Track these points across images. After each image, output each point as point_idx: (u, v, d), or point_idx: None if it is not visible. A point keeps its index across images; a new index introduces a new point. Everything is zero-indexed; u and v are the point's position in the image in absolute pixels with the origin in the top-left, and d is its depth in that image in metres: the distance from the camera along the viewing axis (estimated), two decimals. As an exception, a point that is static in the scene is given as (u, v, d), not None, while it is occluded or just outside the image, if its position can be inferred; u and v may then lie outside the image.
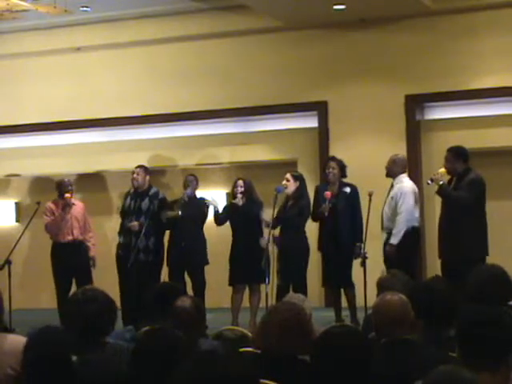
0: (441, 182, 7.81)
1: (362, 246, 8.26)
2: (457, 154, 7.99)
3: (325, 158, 9.88)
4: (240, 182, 9.03)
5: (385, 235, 8.33)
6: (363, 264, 7.96)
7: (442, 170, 7.99)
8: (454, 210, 7.80)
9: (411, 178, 8.88)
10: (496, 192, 8.90)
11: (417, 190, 8.52)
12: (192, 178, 9.35)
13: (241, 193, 8.94)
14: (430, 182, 8.01)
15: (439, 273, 7.54)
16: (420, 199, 8.76)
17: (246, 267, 8.62)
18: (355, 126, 10.72)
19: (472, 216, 7.84)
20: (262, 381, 2.92)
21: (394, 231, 8.16)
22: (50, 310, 4.24)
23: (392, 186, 8.39)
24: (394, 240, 8.14)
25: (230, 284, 8.80)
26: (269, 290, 8.12)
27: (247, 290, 8.81)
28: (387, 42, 10.59)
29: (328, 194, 8.40)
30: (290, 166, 10.41)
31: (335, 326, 4.50)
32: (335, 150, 9.92)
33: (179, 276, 8.88)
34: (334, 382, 2.94)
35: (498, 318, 3.04)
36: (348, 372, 2.96)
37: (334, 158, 8.83)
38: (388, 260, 8.15)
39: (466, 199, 7.77)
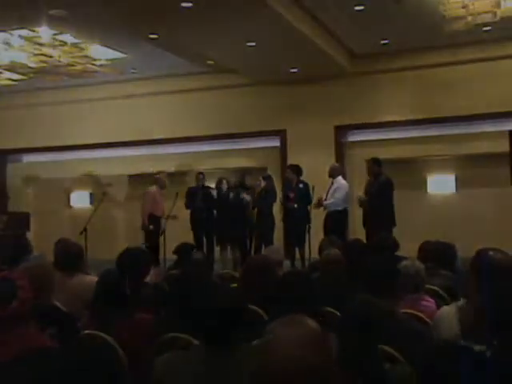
0: (362, 199, 9.25)
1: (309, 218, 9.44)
2: (375, 162, 9.33)
3: (285, 166, 11.17)
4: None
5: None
6: (308, 230, 9.46)
7: (361, 194, 9.35)
8: (376, 201, 9.05)
9: (339, 180, 9.70)
10: (396, 187, 9.58)
11: (348, 186, 9.75)
12: (202, 177, 10.68)
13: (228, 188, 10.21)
14: (361, 198, 9.32)
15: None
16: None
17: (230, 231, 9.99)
18: (304, 145, 11.99)
19: (384, 204, 9.13)
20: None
21: (329, 201, 9.50)
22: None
23: (332, 183, 9.59)
24: (328, 205, 9.48)
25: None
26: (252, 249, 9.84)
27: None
28: (324, 91, 11.97)
29: (291, 195, 9.78)
30: (262, 169, 12.01)
31: (291, 270, 4.80)
32: (291, 161, 11.10)
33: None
34: (293, 305, 3.06)
35: (384, 261, 3.39)
36: (298, 297, 3.14)
37: (289, 166, 10.13)
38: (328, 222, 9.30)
39: (382, 199, 9.04)
